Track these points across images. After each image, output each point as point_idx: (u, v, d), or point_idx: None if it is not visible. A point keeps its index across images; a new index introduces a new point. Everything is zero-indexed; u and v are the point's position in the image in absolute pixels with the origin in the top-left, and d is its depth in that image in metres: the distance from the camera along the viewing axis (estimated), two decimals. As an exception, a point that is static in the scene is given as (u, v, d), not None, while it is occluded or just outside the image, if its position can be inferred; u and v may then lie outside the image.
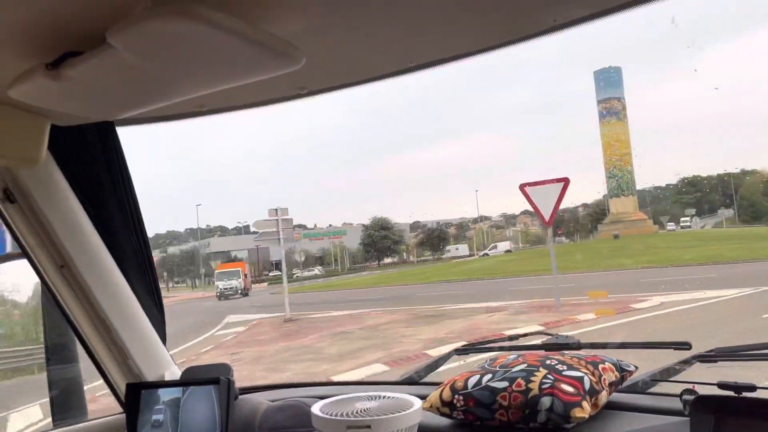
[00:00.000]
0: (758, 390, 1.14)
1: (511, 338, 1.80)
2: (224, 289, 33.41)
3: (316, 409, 1.32)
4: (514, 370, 1.38)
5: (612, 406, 1.40)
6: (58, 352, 1.83)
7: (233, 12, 0.87)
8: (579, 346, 1.62)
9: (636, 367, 1.48)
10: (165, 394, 1.43)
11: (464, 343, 1.87)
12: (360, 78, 1.25)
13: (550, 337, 1.72)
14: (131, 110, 1.37)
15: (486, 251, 53.36)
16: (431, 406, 1.43)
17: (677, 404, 1.32)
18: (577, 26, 1.18)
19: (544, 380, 1.31)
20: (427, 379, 1.85)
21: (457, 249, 55.24)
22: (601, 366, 1.40)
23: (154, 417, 1.41)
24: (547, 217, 12.08)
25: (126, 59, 0.97)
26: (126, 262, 1.68)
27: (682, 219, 57.39)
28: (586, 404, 1.27)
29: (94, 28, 0.92)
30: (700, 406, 0.78)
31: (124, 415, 1.59)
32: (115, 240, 1.66)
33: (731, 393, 1.10)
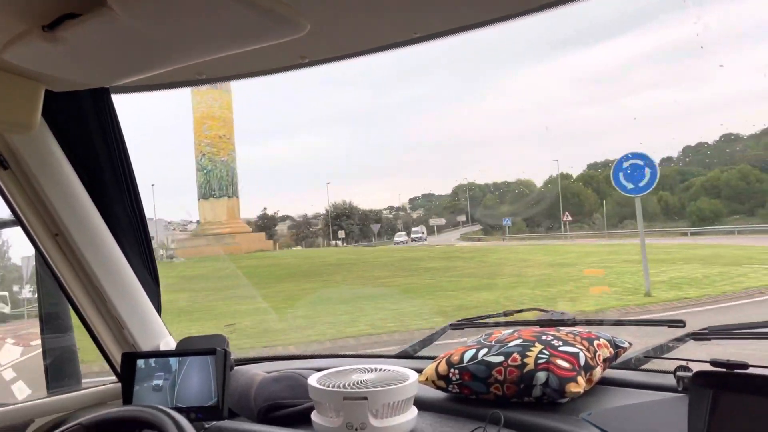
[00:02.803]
0: (750, 368, 1.16)
1: (506, 314, 1.81)
2: None
3: (312, 380, 1.33)
4: (510, 344, 1.39)
5: (606, 382, 1.41)
6: (52, 321, 1.82)
7: None
8: (574, 323, 1.63)
9: (630, 344, 1.49)
10: (162, 364, 1.42)
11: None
12: (363, 48, 1.23)
13: (544, 313, 1.73)
14: (128, 77, 1.35)
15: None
16: (427, 379, 1.44)
17: (670, 381, 1.33)
18: None
19: (540, 355, 1.32)
20: (421, 353, 1.86)
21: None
22: (596, 342, 1.41)
23: (155, 382, 1.41)
24: None
25: (125, 22, 0.94)
26: (121, 230, 1.66)
27: (413, 230, 49.04)
28: (581, 379, 1.28)
29: None
30: (699, 381, 0.78)
31: (118, 384, 1.59)
32: (109, 209, 1.64)
33: (723, 370, 1.11)
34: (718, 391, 0.77)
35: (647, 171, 10.39)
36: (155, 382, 1.41)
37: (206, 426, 1.38)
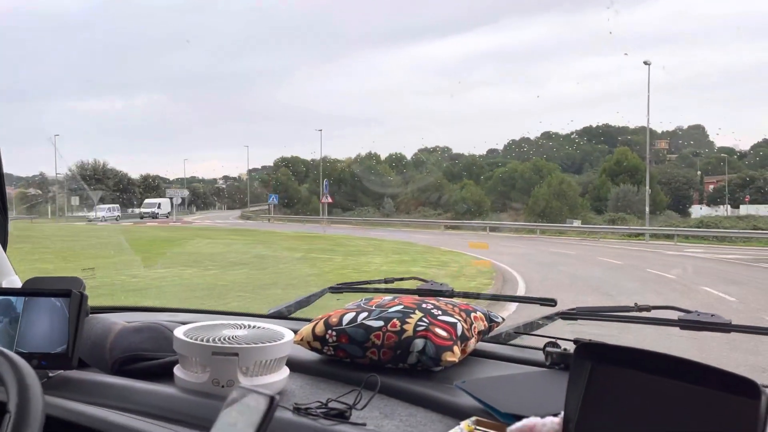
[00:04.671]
0: None
1: (387, 281, 1.80)
2: None
3: (179, 332, 1.23)
4: (390, 310, 1.37)
5: (477, 354, 1.44)
6: None
7: None
8: (452, 294, 1.65)
9: (503, 319, 1.53)
10: (3, 304, 1.25)
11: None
12: None
13: (424, 282, 1.74)
14: None
15: None
16: (302, 340, 1.38)
17: (536, 356, 1.38)
18: None
19: (420, 323, 1.31)
20: (297, 315, 1.81)
21: None
22: (473, 314, 1.43)
23: None
24: None
25: None
26: None
27: (146, 201, 37.30)
28: (456, 349, 1.29)
29: None
30: (581, 353, 0.80)
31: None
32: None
33: (604, 343, 1.16)
34: (596, 363, 0.79)
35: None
36: None
37: (50, 375, 1.24)
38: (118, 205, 35.48)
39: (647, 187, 30.03)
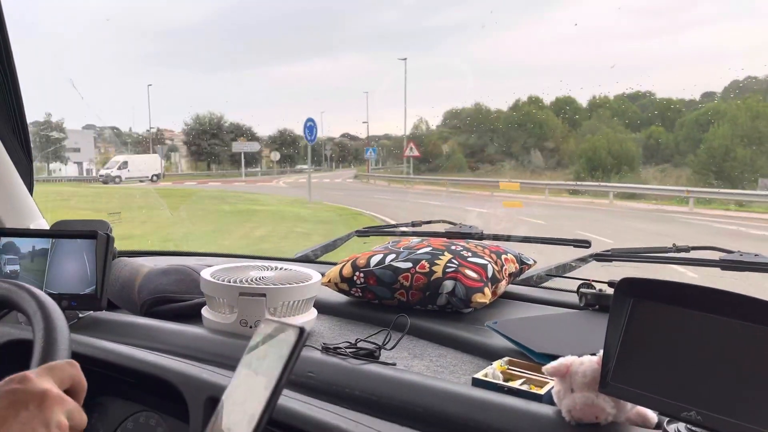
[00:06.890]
0: None
1: (414, 224, 1.77)
2: None
3: (206, 274, 1.22)
4: (419, 252, 1.34)
5: (507, 296, 1.41)
6: None
7: None
8: (481, 237, 1.61)
9: (535, 261, 1.49)
10: (28, 245, 1.25)
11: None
12: None
13: (453, 225, 1.70)
14: None
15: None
16: (330, 281, 1.37)
17: (569, 298, 1.35)
18: None
19: (449, 264, 1.28)
20: (323, 259, 1.79)
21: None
22: (503, 256, 1.39)
23: (9, 268, 1.23)
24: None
25: None
26: None
27: (114, 159, 26.74)
28: (487, 290, 1.26)
29: None
30: (623, 288, 0.76)
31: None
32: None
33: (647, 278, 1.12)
34: (638, 299, 0.75)
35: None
36: (11, 266, 1.24)
37: (81, 315, 1.25)
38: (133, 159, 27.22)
39: None
